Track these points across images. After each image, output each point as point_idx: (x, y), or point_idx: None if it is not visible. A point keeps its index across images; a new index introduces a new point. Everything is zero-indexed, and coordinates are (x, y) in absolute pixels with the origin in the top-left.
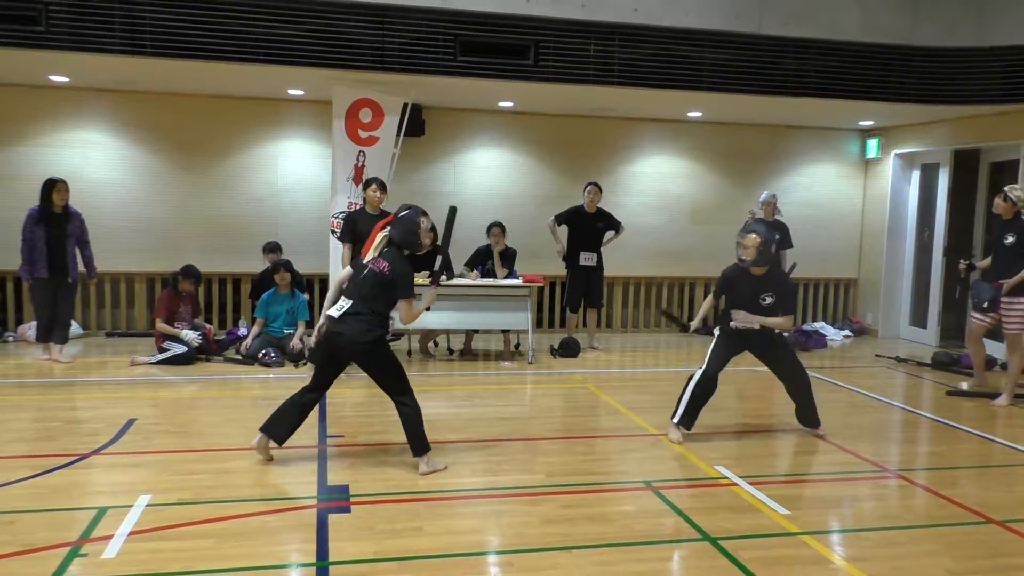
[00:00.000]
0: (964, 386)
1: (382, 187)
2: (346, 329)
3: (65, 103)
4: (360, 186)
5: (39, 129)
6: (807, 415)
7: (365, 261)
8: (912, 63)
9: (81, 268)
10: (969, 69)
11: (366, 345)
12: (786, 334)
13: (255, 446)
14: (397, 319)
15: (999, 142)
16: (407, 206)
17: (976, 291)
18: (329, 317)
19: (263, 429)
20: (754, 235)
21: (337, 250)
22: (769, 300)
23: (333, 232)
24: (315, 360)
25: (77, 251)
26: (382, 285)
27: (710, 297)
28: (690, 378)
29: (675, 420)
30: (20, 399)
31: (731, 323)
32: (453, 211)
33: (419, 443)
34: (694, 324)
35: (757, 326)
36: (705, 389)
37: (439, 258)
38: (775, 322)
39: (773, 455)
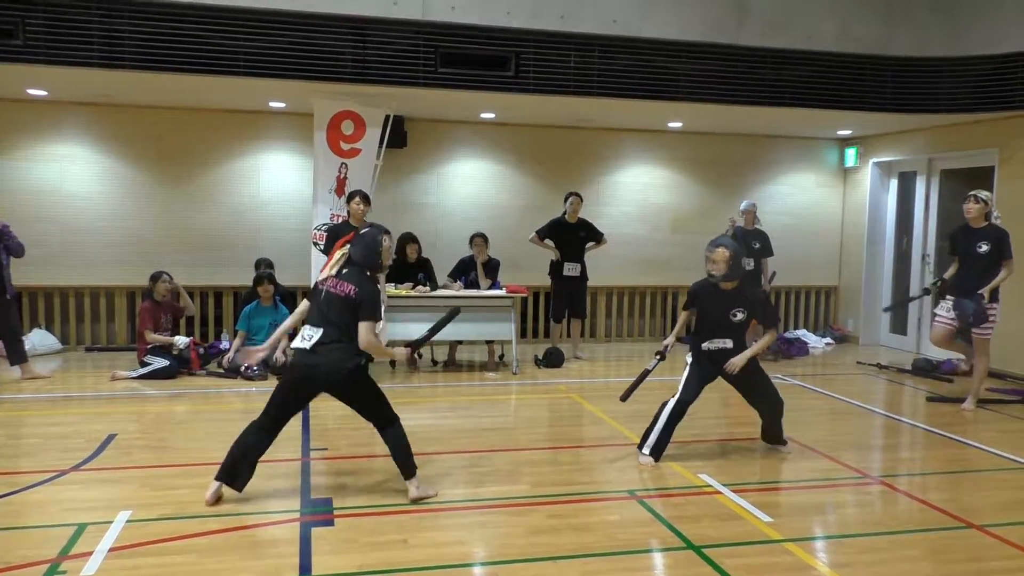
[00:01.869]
0: (965, 406)
1: (365, 199)
2: (321, 360)
3: (43, 117)
4: (343, 198)
5: (17, 143)
6: (774, 434)
7: (322, 278)
8: (887, 73)
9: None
10: (942, 78)
11: (346, 374)
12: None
13: (209, 498)
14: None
15: (975, 150)
16: (369, 223)
17: (959, 309)
18: (300, 351)
19: (219, 478)
20: (723, 249)
21: (319, 262)
22: (740, 316)
23: (315, 244)
24: (279, 397)
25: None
26: (350, 309)
27: (683, 313)
28: (663, 406)
29: (646, 451)
30: None
31: (702, 344)
32: (454, 313)
33: (408, 466)
34: (668, 342)
35: (747, 358)
36: (679, 418)
37: (426, 332)
38: (763, 345)
39: (756, 463)
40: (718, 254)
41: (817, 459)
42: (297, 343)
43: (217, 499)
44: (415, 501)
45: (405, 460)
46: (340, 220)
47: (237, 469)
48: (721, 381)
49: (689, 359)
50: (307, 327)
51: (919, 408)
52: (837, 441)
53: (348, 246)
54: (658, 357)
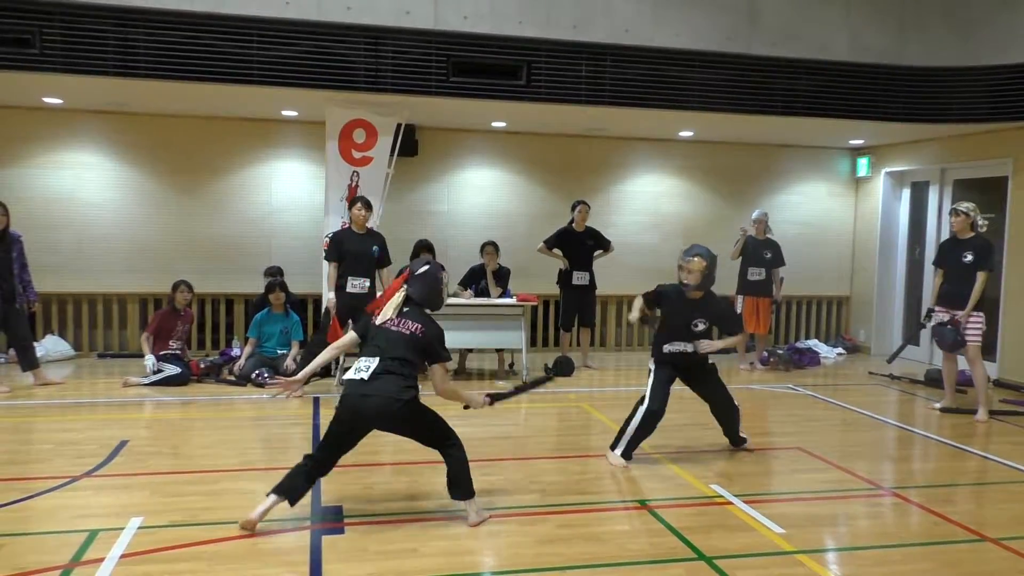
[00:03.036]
0: (936, 406)
1: (368, 206)
2: (376, 390)
3: (58, 125)
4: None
5: (32, 151)
6: (733, 435)
7: (380, 321)
8: (900, 82)
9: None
10: (955, 88)
11: (403, 404)
12: (780, 351)
13: (256, 517)
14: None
15: (988, 160)
16: (425, 260)
17: (939, 336)
18: (352, 382)
19: (276, 490)
20: (699, 258)
21: (326, 270)
22: (702, 327)
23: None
24: (330, 432)
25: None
26: (415, 348)
27: (641, 299)
28: (635, 409)
29: (617, 451)
30: (10, 421)
31: (664, 346)
32: (548, 379)
33: (466, 489)
34: (632, 316)
35: (715, 350)
36: (650, 425)
37: (511, 389)
38: (732, 343)
39: (768, 473)
40: (695, 264)
41: (829, 470)
42: (350, 375)
43: (262, 514)
44: (474, 526)
45: (463, 484)
46: (348, 226)
47: (294, 487)
48: (735, 388)
49: (652, 365)
50: (363, 358)
51: (931, 419)
52: (849, 452)
53: (405, 286)
54: (639, 299)
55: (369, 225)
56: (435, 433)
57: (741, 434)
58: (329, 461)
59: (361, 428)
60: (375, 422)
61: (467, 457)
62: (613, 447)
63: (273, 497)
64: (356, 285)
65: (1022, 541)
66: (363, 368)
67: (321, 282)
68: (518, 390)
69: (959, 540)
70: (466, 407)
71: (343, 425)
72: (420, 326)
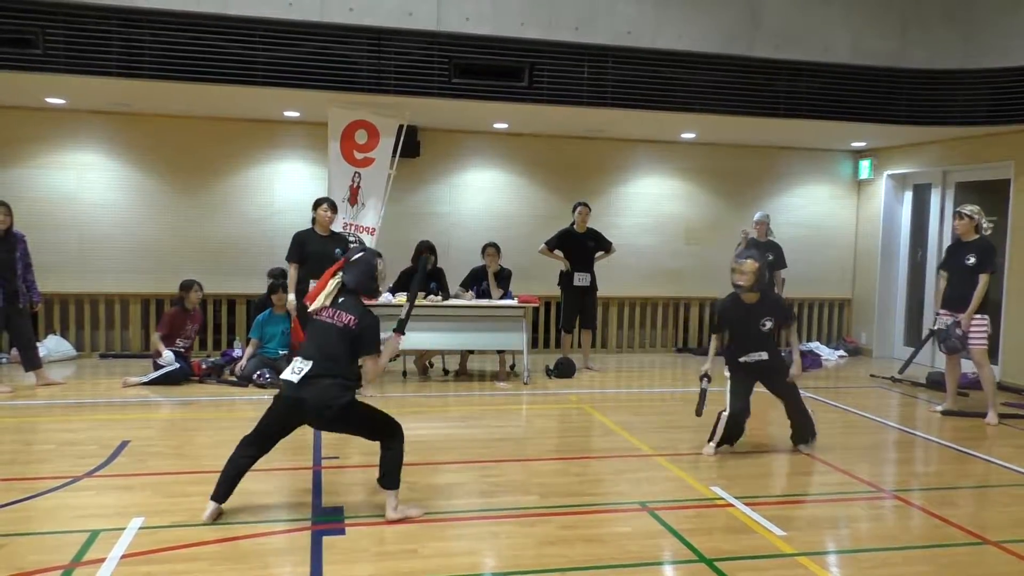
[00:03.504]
0: (938, 408)
1: (333, 207)
2: (310, 394)
3: (61, 125)
4: (355, 207)
5: (35, 151)
6: (798, 438)
7: (314, 308)
8: (902, 85)
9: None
10: (957, 91)
11: (336, 411)
12: (782, 354)
13: (208, 518)
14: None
15: (990, 163)
16: (361, 247)
17: (942, 340)
18: (288, 382)
19: (215, 497)
20: (751, 260)
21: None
22: (769, 324)
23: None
24: (264, 422)
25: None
26: (348, 340)
27: (714, 338)
28: (719, 417)
29: (711, 444)
30: (12, 421)
31: (740, 358)
32: (425, 262)
33: (393, 480)
34: (706, 367)
35: (800, 369)
36: (734, 430)
37: (406, 306)
38: (797, 343)
39: (769, 476)
40: (747, 265)
41: (830, 472)
42: (286, 375)
43: (216, 518)
44: (391, 522)
45: (393, 474)
46: (352, 227)
47: (229, 488)
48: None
49: (727, 373)
50: (298, 359)
51: (933, 422)
52: (850, 454)
53: (340, 273)
54: (705, 380)
55: (373, 225)
56: (375, 427)
57: (802, 446)
58: (263, 451)
59: (294, 425)
60: (309, 422)
61: (402, 454)
62: (709, 439)
63: (213, 504)
64: None
65: (1023, 544)
66: (297, 370)
67: None
68: (409, 307)
69: (960, 543)
70: (393, 359)
71: (277, 421)
72: (354, 318)
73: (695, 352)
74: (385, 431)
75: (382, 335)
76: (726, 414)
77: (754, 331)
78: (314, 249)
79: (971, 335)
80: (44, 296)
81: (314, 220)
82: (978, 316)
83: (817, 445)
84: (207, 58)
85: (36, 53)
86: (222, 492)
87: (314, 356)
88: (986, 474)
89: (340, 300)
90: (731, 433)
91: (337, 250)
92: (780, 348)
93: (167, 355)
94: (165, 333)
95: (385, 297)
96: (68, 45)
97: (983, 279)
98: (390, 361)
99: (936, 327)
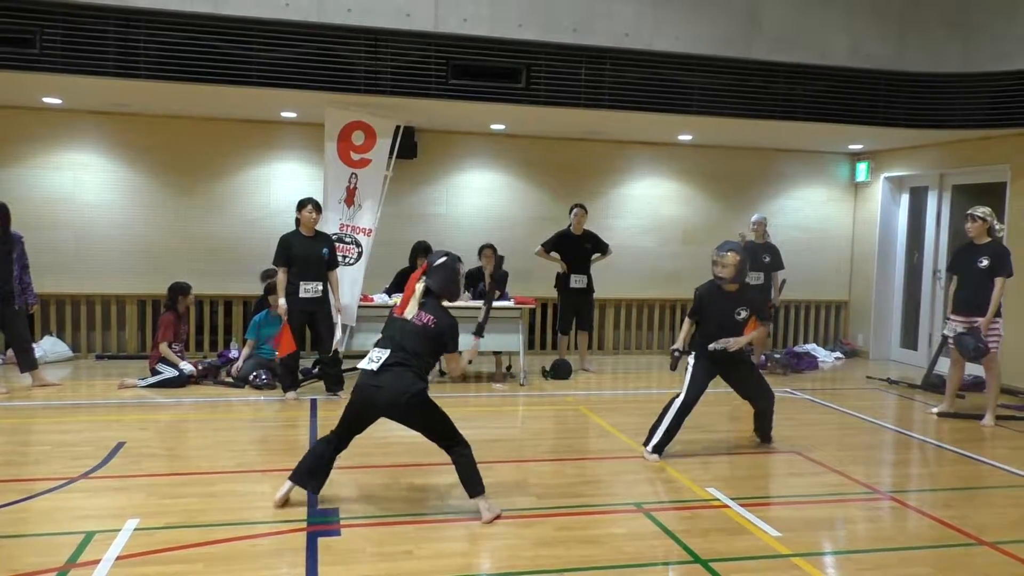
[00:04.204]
0: (934, 410)
1: (317, 208)
2: (386, 382)
3: (58, 125)
4: (352, 208)
5: (31, 150)
6: (764, 428)
7: (407, 316)
8: (899, 88)
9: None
10: (955, 94)
11: (410, 399)
12: (778, 355)
13: (279, 500)
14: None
15: (986, 166)
16: (442, 252)
17: (959, 344)
18: (365, 371)
19: (293, 479)
20: (732, 253)
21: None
22: (744, 314)
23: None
24: (345, 417)
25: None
26: (427, 338)
27: (687, 321)
28: (669, 404)
29: (650, 448)
30: (8, 422)
31: (708, 345)
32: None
33: (475, 486)
34: (677, 346)
35: (744, 345)
36: (683, 416)
37: (485, 310)
38: (759, 336)
39: (764, 477)
40: (728, 258)
41: (826, 474)
42: (363, 364)
43: (285, 502)
44: (488, 523)
45: (473, 481)
46: (348, 228)
47: (313, 472)
48: (732, 391)
49: (691, 359)
50: (376, 349)
51: (929, 423)
52: (846, 456)
53: (424, 278)
54: (677, 352)
55: (370, 227)
56: (443, 431)
57: (771, 434)
58: (345, 440)
59: (372, 416)
60: (385, 412)
61: (473, 459)
62: (646, 443)
63: (289, 483)
64: (308, 289)
65: (1019, 545)
66: (375, 359)
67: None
68: (486, 311)
69: (956, 544)
70: (470, 362)
71: (355, 412)
72: (432, 317)
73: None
74: (456, 435)
75: (468, 349)
76: (679, 401)
77: (728, 320)
78: (300, 251)
79: (988, 338)
80: (40, 297)
81: (298, 221)
82: (997, 321)
83: (811, 446)
84: (204, 58)
85: (33, 52)
86: (305, 478)
87: (391, 347)
88: (982, 475)
89: (423, 302)
90: (678, 424)
91: (324, 250)
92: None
93: (188, 367)
94: (170, 340)
95: (380, 298)
96: (65, 45)
97: (999, 283)
98: (469, 363)
99: (949, 333)
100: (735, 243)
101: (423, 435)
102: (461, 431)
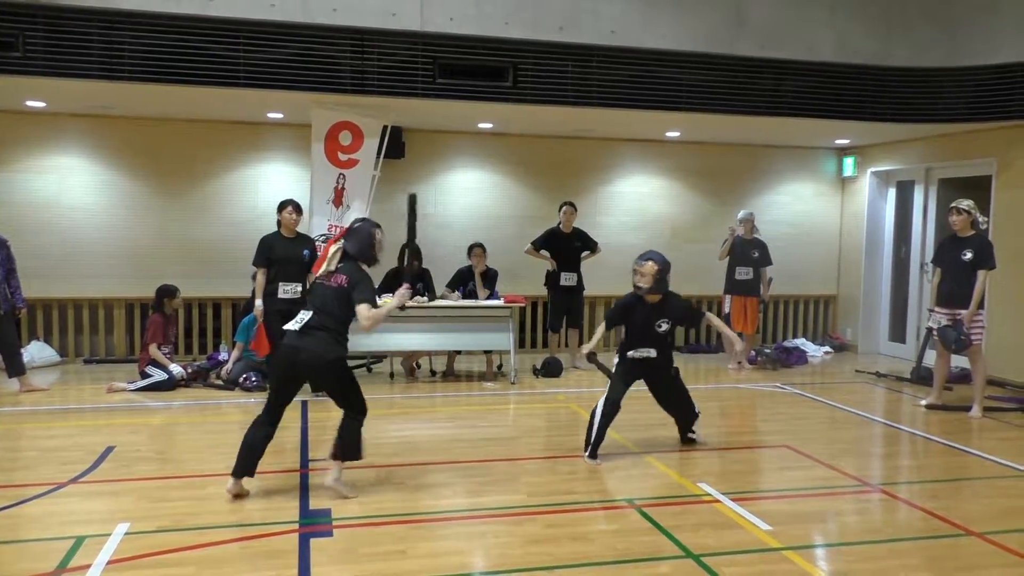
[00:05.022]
0: (923, 403)
1: (298, 209)
2: (308, 344)
3: (42, 128)
4: (340, 208)
5: (15, 155)
6: (685, 434)
7: (317, 276)
8: (885, 83)
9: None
10: (941, 89)
11: (328, 363)
12: (767, 350)
13: (231, 490)
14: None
15: (972, 160)
16: (360, 219)
17: (942, 336)
18: (289, 332)
19: (235, 473)
20: (651, 263)
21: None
22: (665, 327)
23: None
24: (271, 380)
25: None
26: (341, 297)
27: (602, 327)
28: (594, 411)
29: (587, 454)
30: None
31: (628, 352)
32: (412, 199)
33: (353, 451)
34: (586, 348)
35: (654, 354)
36: (611, 415)
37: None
38: (718, 323)
39: (755, 471)
40: (647, 267)
41: (816, 467)
42: (289, 325)
43: (238, 495)
44: (329, 488)
45: (351, 445)
46: (335, 229)
47: (249, 462)
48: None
49: (616, 360)
50: (302, 312)
51: (918, 416)
52: (836, 449)
53: (342, 241)
54: (592, 356)
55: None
56: (350, 401)
57: (690, 434)
58: (277, 416)
59: (295, 378)
60: (306, 375)
61: (361, 430)
62: (584, 450)
63: (232, 479)
64: (288, 291)
65: (1006, 535)
66: (299, 320)
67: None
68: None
69: (945, 535)
70: (402, 308)
71: (280, 374)
72: (346, 277)
73: (680, 351)
74: (359, 405)
75: (397, 298)
76: (602, 402)
77: (650, 331)
78: (281, 252)
79: (971, 331)
80: (27, 301)
81: (279, 223)
82: (980, 313)
83: (801, 440)
84: (189, 60)
85: (16, 56)
86: (240, 468)
87: (312, 310)
88: (970, 467)
89: (340, 266)
90: (607, 422)
91: (305, 251)
92: (672, 350)
93: (177, 368)
94: (159, 342)
95: None
96: (48, 47)
97: (982, 275)
98: (402, 310)
99: (933, 325)
100: (657, 252)
101: (334, 400)
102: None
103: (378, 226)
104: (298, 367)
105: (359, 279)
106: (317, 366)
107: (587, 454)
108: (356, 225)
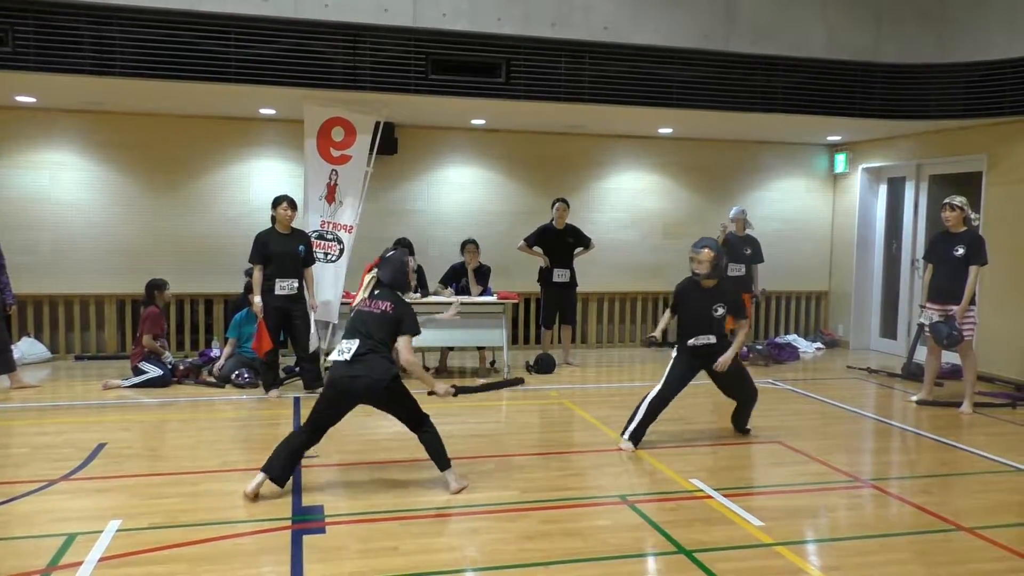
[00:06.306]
0: (913, 398)
1: (292, 205)
2: (363, 371)
3: (32, 124)
4: (333, 205)
5: (6, 150)
6: (742, 420)
7: (356, 304)
8: (876, 79)
9: None
10: (931, 85)
11: (389, 384)
12: (759, 346)
13: (252, 491)
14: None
15: (963, 156)
16: (393, 246)
17: (934, 331)
18: (338, 363)
19: (270, 473)
20: (708, 250)
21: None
22: (721, 311)
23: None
24: (319, 407)
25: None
26: (387, 323)
27: (668, 312)
28: (644, 396)
29: (626, 436)
30: None
31: (688, 341)
32: (517, 382)
33: (444, 461)
34: (656, 333)
35: (733, 357)
36: (659, 409)
37: (481, 385)
38: (742, 341)
39: (747, 467)
40: (704, 255)
41: (808, 463)
42: (334, 356)
43: (256, 495)
44: (455, 493)
45: (441, 456)
46: (329, 225)
47: (287, 466)
48: (705, 379)
49: (674, 353)
50: (344, 340)
51: (909, 412)
52: (827, 445)
53: (376, 270)
54: (651, 340)
55: (351, 223)
56: (412, 415)
57: (748, 426)
58: (319, 435)
59: (349, 405)
60: (363, 398)
61: (438, 434)
62: (623, 432)
63: (262, 475)
64: (284, 287)
65: (997, 530)
66: (346, 350)
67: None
68: (485, 388)
69: (936, 530)
70: (430, 393)
71: (331, 404)
72: (390, 303)
73: (674, 346)
74: (422, 415)
75: (443, 383)
76: (653, 393)
77: (706, 315)
78: (277, 248)
79: (963, 327)
80: (18, 298)
81: (274, 219)
82: (972, 309)
83: (793, 435)
84: (180, 55)
85: (6, 51)
86: (277, 469)
87: (360, 337)
88: (960, 462)
89: (376, 292)
90: (653, 417)
91: (300, 247)
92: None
93: (168, 356)
94: (158, 334)
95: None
96: (39, 42)
97: (974, 271)
98: (429, 393)
99: (925, 321)
100: (711, 239)
101: (395, 416)
102: (445, 426)
103: (411, 254)
104: (357, 394)
105: (405, 311)
106: (377, 391)
107: (625, 437)
108: (389, 255)
